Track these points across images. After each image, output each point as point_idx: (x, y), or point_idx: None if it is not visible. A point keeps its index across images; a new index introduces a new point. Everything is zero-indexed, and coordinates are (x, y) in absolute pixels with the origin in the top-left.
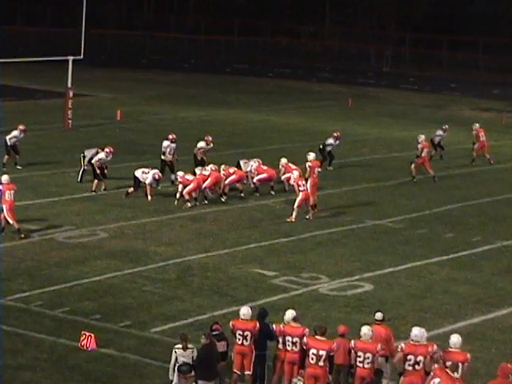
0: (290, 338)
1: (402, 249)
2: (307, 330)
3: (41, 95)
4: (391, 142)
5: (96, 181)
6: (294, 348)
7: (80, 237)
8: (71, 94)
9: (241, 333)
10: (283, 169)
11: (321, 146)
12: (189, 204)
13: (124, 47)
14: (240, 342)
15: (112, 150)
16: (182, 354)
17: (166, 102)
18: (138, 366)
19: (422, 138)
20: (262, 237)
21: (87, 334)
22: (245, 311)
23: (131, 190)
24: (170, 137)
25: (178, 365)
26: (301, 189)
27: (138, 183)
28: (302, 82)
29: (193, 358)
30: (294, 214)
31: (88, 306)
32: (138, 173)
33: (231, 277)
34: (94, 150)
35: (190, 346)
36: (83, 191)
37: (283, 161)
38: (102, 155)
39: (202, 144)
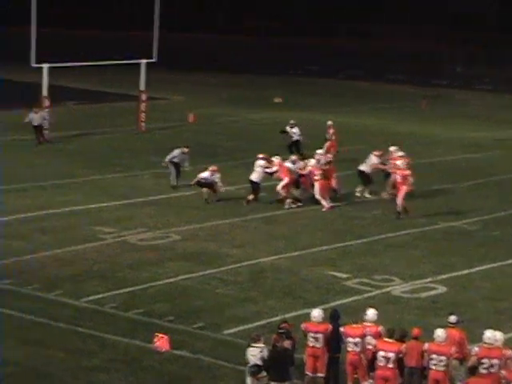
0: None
1: (476, 250)
2: (368, 329)
3: (115, 98)
4: (465, 143)
5: (206, 189)
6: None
7: (153, 239)
8: (144, 97)
9: (313, 335)
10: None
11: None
12: (289, 201)
13: (197, 50)
14: (312, 345)
15: (216, 168)
16: (250, 353)
17: (238, 104)
18: (211, 367)
19: None
20: (334, 239)
21: (161, 335)
22: (316, 313)
23: (251, 196)
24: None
25: (248, 366)
26: (316, 178)
27: (256, 187)
28: (374, 84)
29: (263, 357)
30: (323, 202)
31: (161, 307)
32: (205, 174)
33: (304, 279)
34: (178, 151)
35: (259, 344)
36: (156, 193)
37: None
38: (206, 174)
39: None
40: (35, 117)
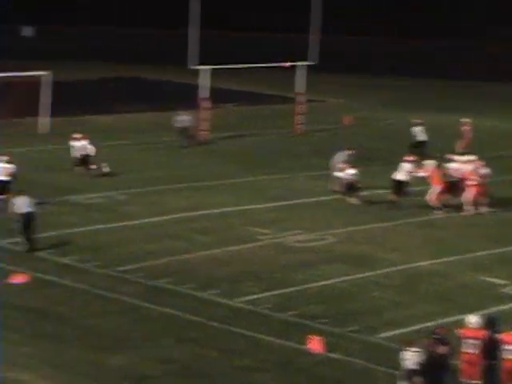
0: None
1: None
2: None
3: (276, 100)
4: None
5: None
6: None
7: (309, 241)
8: (301, 99)
9: (469, 341)
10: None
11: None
12: (439, 212)
13: (356, 53)
14: (468, 351)
15: (347, 166)
16: (405, 357)
17: (395, 108)
18: (364, 371)
19: None
20: (490, 244)
21: (315, 337)
22: (473, 319)
23: (393, 197)
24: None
25: (401, 370)
26: (471, 183)
27: (401, 186)
28: None
29: (418, 362)
30: (470, 207)
31: (316, 309)
32: (340, 174)
33: (459, 284)
34: (343, 153)
35: (414, 349)
36: (312, 195)
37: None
38: (341, 174)
39: None
40: (182, 119)
